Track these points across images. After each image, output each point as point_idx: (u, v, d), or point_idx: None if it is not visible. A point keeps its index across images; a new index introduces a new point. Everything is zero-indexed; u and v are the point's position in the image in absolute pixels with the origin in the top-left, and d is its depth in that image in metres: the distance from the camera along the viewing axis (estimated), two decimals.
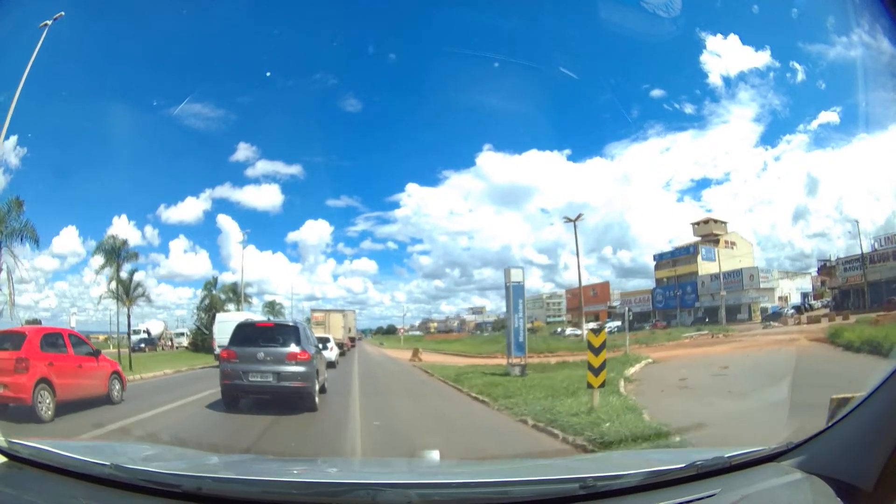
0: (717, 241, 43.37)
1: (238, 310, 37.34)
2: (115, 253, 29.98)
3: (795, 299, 42.01)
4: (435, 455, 3.69)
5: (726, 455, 2.69)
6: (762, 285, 40.79)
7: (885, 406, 2.42)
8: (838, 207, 39.82)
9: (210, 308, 38.26)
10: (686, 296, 44.57)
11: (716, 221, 43.35)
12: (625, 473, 2.57)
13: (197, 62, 46.46)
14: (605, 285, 50.49)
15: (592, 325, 46.44)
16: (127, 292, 30.62)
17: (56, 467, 2.66)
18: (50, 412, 10.54)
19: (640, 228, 49.27)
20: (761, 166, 41.51)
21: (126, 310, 30.58)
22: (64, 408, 10.86)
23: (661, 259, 47.24)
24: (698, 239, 44.14)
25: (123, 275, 29.99)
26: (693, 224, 44.06)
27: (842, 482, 2.35)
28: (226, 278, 47.35)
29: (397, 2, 41.03)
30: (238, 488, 2.55)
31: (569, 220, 37.63)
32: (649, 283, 49.29)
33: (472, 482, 2.70)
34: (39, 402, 10.38)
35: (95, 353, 12.82)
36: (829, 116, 35.46)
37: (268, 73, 43.06)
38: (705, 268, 43.35)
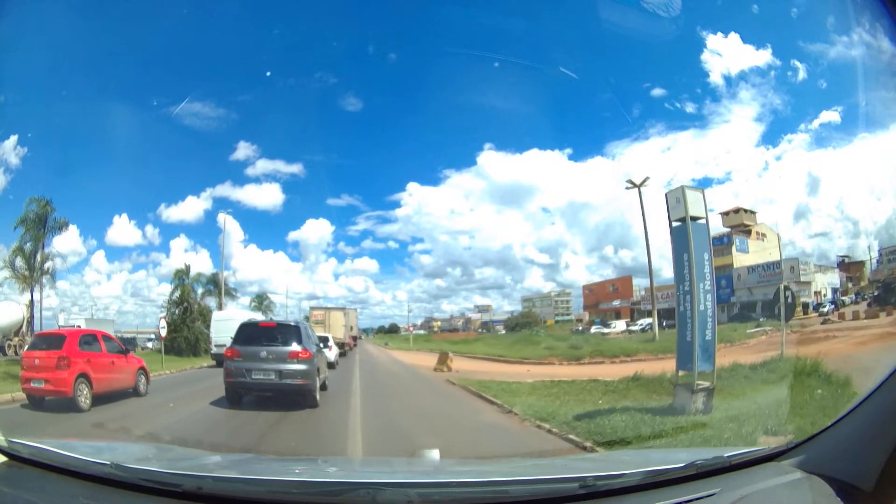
0: (748, 232, 42.76)
1: (219, 305, 36.60)
2: (40, 222, 25.84)
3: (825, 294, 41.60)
4: (435, 454, 3.79)
5: (726, 455, 2.76)
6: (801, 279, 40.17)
7: (884, 406, 2.47)
8: (839, 207, 40.24)
9: (181, 302, 34.91)
10: (720, 290, 43.10)
11: (746, 211, 42.76)
12: (624, 473, 2.64)
13: (197, 61, 47.31)
14: (626, 280, 49.88)
15: (643, 321, 46.08)
16: (31, 269, 25.89)
17: (56, 467, 2.73)
18: (88, 403, 12.29)
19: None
20: (762, 166, 42.26)
21: (41, 293, 26.96)
22: (99, 399, 12.61)
23: None
24: (728, 230, 43.62)
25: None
26: (722, 214, 43.56)
27: (842, 482, 2.41)
28: (226, 277, 47.58)
29: (397, 1, 41.63)
30: (238, 487, 2.63)
31: (633, 184, 34.89)
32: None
33: (472, 482, 2.80)
34: (79, 395, 12.12)
35: (125, 351, 14.88)
36: (831, 116, 35.86)
37: (268, 73, 43.43)
38: (740, 260, 42.72)
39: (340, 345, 32.22)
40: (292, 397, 12.40)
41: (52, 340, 13.03)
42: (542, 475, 3.05)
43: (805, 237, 43.90)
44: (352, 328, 41.05)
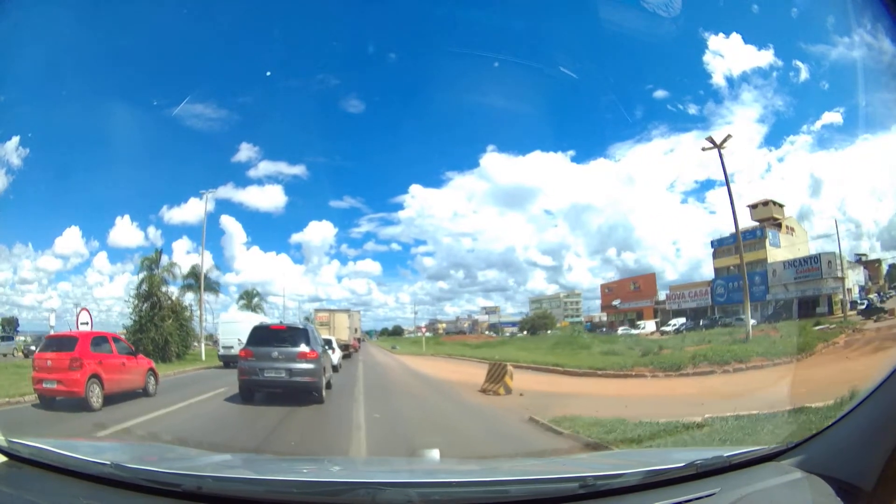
0: (778, 226, 42.05)
1: (199, 301, 34.73)
2: None
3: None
4: (435, 454, 3.85)
5: (726, 454, 2.81)
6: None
7: (884, 406, 2.51)
8: (841, 208, 40.36)
9: (149, 296, 30.23)
10: (754, 287, 41.86)
11: (775, 203, 42.10)
12: (624, 472, 2.70)
13: (197, 62, 48.47)
14: (649, 278, 49.27)
15: (676, 321, 44.44)
16: None
17: (57, 467, 2.81)
18: (99, 402, 13.00)
19: (645, 230, 49.96)
20: (765, 167, 43.21)
21: None
22: (110, 399, 13.32)
23: (720, 245, 44.92)
24: (756, 224, 42.95)
25: None
26: (750, 206, 43.13)
27: (842, 482, 2.45)
28: (229, 279, 46.60)
29: (397, 2, 42.13)
30: (238, 487, 2.70)
31: (713, 143, 30.33)
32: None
33: (472, 481, 2.87)
34: (91, 395, 12.82)
35: (134, 353, 15.69)
36: (833, 117, 36.42)
37: (268, 73, 44.02)
38: (773, 255, 41.89)
39: (345, 346, 32.52)
40: (300, 394, 13.65)
41: (63, 342, 13.62)
42: (542, 475, 3.13)
43: (809, 238, 44.20)
44: (356, 330, 41.42)
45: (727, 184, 31.30)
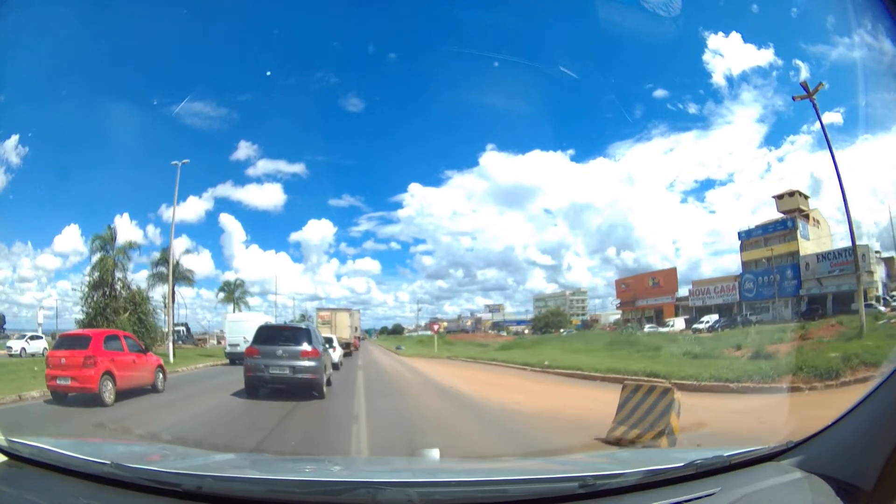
0: (806, 217, 41.30)
1: (170, 292, 31.09)
2: None
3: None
4: (435, 454, 3.92)
5: (726, 454, 2.85)
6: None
7: (884, 406, 2.54)
8: (841, 209, 39.60)
9: (101, 284, 26.00)
10: (786, 282, 41.20)
11: (801, 194, 41.43)
12: (624, 472, 2.73)
13: (197, 62, 49.71)
14: (670, 273, 48.94)
15: (710, 318, 42.85)
16: None
17: (57, 466, 2.87)
18: (112, 398, 13.83)
19: (644, 229, 50.20)
20: (765, 167, 43.33)
21: None
22: (121, 395, 14.14)
23: (748, 237, 44.19)
24: (781, 215, 42.33)
25: None
26: (775, 197, 42.73)
27: (842, 481, 2.49)
28: (228, 277, 45.97)
29: (397, 1, 42.72)
30: (238, 487, 2.75)
31: (806, 90, 26.16)
32: None
33: (472, 480, 2.92)
34: (104, 391, 13.65)
35: (144, 350, 16.69)
36: (833, 117, 36.54)
37: (268, 73, 45.45)
38: (804, 247, 41.12)
39: (346, 345, 33.19)
40: (303, 389, 14.67)
41: (77, 341, 14.41)
42: (541, 474, 3.17)
43: (829, 231, 44.23)
44: (356, 329, 42.47)
45: (826, 138, 26.59)
